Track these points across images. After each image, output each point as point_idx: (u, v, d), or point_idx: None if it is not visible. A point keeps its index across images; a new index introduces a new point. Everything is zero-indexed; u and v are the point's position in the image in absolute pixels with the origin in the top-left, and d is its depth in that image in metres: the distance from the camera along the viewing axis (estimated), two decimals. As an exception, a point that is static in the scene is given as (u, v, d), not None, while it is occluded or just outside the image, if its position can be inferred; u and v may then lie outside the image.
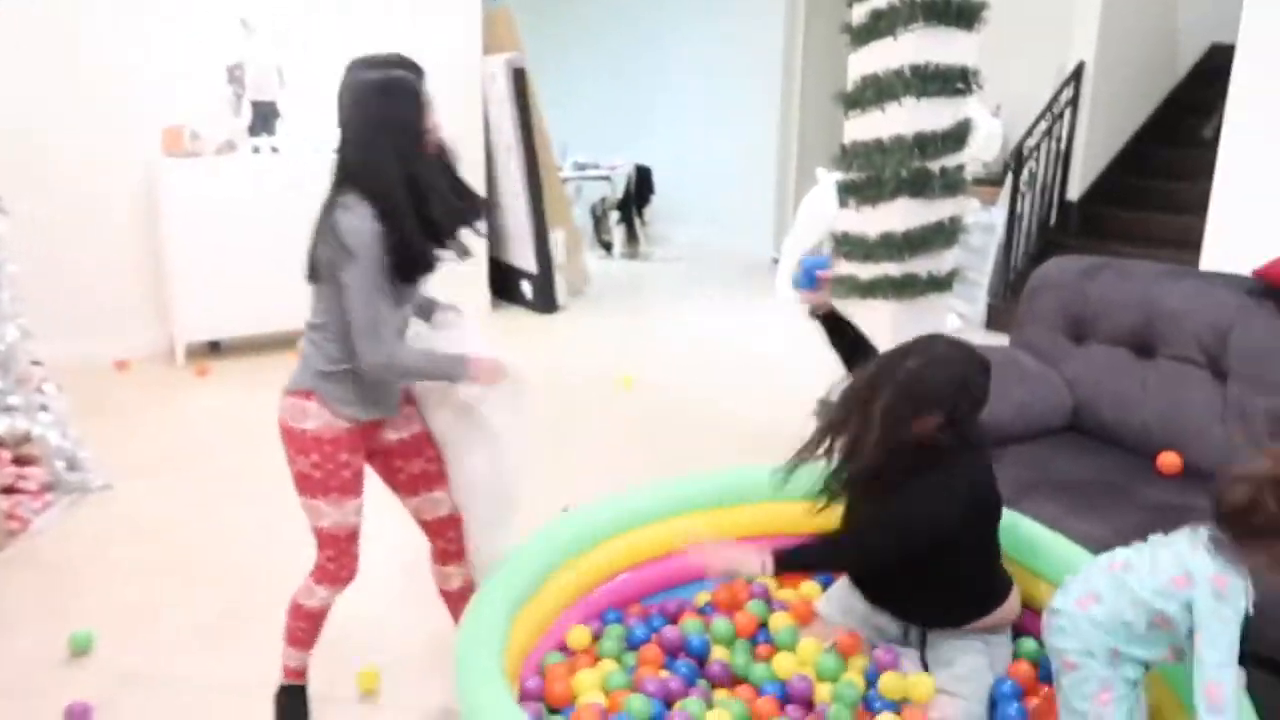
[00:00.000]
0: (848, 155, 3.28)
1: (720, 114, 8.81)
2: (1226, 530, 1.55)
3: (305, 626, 2.07)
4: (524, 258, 6.29)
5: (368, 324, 1.79)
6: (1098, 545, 2.07)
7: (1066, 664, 1.67)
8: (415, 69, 1.87)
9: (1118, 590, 1.63)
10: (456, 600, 2.21)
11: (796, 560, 1.86)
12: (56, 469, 3.31)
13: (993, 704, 1.88)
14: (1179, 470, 2.43)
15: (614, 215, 8.60)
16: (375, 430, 2.01)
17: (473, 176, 6.14)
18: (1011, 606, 2.00)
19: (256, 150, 5.13)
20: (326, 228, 1.80)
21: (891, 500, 1.84)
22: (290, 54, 5.22)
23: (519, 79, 5.85)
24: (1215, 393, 2.48)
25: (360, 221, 1.76)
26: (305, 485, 1.94)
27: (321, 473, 1.91)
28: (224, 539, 3.08)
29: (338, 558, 2.00)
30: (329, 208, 1.82)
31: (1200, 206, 4.01)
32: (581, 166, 8.62)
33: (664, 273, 8.01)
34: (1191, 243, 4.12)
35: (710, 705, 1.84)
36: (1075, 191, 6.31)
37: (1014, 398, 2.69)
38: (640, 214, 8.76)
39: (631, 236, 8.70)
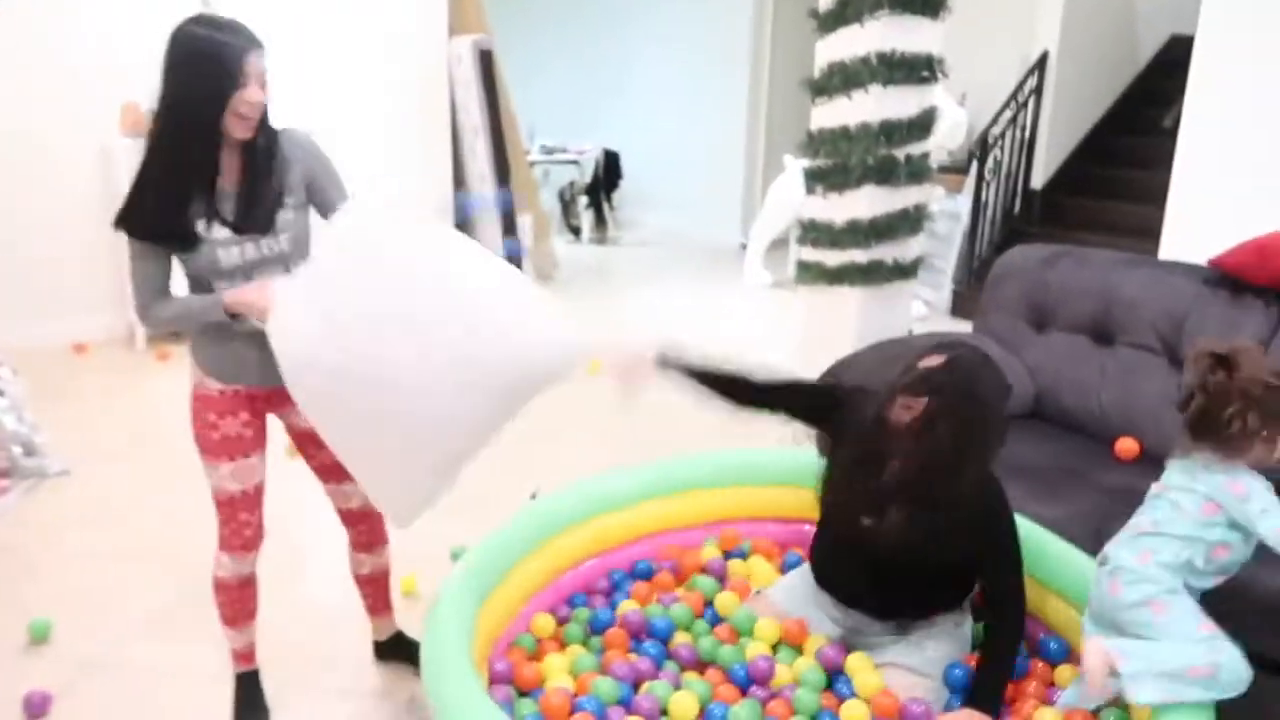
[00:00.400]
0: (814, 142, 3.30)
1: (689, 99, 8.80)
2: (1210, 446, 1.66)
3: (223, 600, 2.06)
4: (491, 242, 6.25)
5: (132, 284, 1.88)
6: (1057, 528, 2.11)
7: (1156, 607, 1.65)
8: (234, 34, 1.74)
9: (1165, 542, 1.68)
10: (365, 584, 2.26)
11: (996, 694, 1.78)
12: (13, 454, 3.25)
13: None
14: (1136, 455, 2.48)
15: (582, 200, 8.57)
16: (275, 408, 2.00)
17: (439, 159, 6.13)
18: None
19: (218, 131, 5.04)
20: None
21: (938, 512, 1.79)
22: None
23: (486, 61, 5.80)
24: (1171, 379, 2.53)
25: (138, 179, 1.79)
26: (197, 444, 1.98)
27: (193, 430, 1.96)
28: (183, 525, 3.04)
29: (226, 522, 2.00)
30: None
31: (1160, 196, 4.08)
32: (549, 150, 8.57)
33: (632, 258, 8.01)
34: (1152, 231, 4.19)
35: (677, 687, 1.86)
36: (1039, 180, 6.39)
37: (976, 384, 2.72)
38: (609, 198, 8.74)
39: (600, 221, 8.68)
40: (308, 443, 2.03)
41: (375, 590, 2.28)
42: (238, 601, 2.07)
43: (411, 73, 5.78)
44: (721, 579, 2.24)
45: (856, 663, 1.92)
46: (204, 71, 1.69)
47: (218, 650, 2.27)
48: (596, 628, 2.09)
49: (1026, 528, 2.09)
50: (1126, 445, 2.50)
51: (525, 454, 3.59)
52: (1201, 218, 3.82)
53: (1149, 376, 2.57)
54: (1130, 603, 1.66)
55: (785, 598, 2.08)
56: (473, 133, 6.00)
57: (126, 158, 4.72)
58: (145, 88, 4.85)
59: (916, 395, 1.74)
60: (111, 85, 4.84)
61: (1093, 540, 2.09)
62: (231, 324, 1.84)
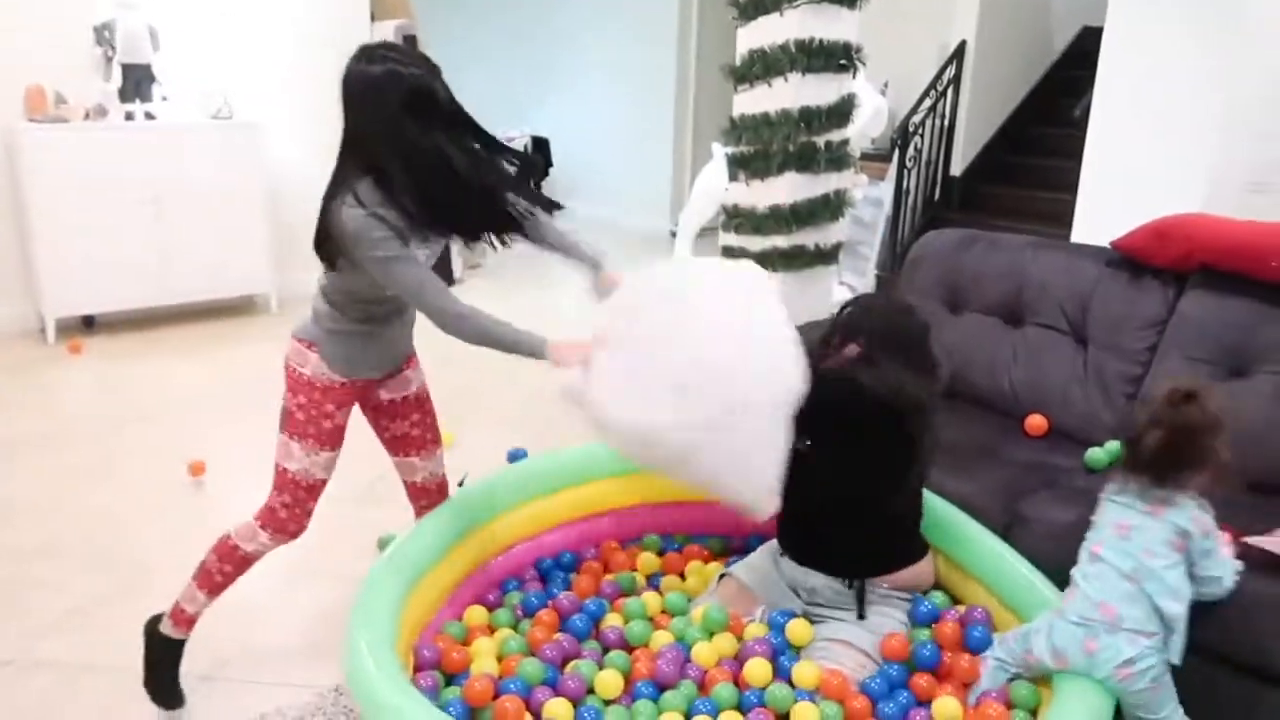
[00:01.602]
0: (737, 129, 3.34)
1: (617, 86, 8.80)
2: (1159, 480, 1.70)
3: (229, 571, 2.04)
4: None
5: (426, 297, 1.83)
6: (971, 502, 2.19)
7: (1156, 689, 1.68)
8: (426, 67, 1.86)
9: (1139, 597, 1.68)
10: None
11: None
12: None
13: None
14: (1045, 431, 2.57)
15: (511, 187, 8.51)
16: (371, 387, 2.08)
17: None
18: (931, 568, 2.10)
19: (130, 116, 4.89)
20: (339, 224, 1.79)
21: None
22: (165, 15, 4.98)
23: (411, 45, 5.71)
24: (1077, 358, 2.63)
25: (352, 210, 1.77)
26: (287, 422, 1.98)
27: (304, 415, 1.96)
28: (93, 521, 2.97)
29: (292, 506, 2.00)
30: (336, 199, 1.80)
31: (1072, 183, 4.22)
32: (477, 137, 8.49)
33: (562, 246, 7.98)
34: (1065, 217, 4.34)
35: (602, 667, 1.88)
36: (958, 167, 6.55)
37: (894, 365, 2.79)
38: (538, 186, 8.70)
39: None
40: (382, 415, 2.14)
41: None
42: (235, 577, 2.06)
43: (333, 59, 5.65)
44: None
45: (798, 629, 1.97)
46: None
47: (128, 647, 2.22)
48: (528, 610, 2.10)
49: (946, 511, 2.17)
50: (1036, 422, 2.59)
51: (456, 440, 3.58)
52: (1109, 203, 3.97)
53: (1056, 355, 2.67)
54: (1139, 689, 1.68)
55: (748, 574, 2.13)
56: (397, 119, 5.91)
57: (31, 143, 4.55)
58: (50, 71, 4.71)
59: (844, 341, 1.95)
60: (13, 67, 4.65)
61: (1004, 512, 2.18)
62: (381, 330, 1.99)
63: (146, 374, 4.36)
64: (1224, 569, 1.72)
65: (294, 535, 2.04)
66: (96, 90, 4.81)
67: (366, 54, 1.83)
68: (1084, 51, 6.04)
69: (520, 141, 8.48)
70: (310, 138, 5.66)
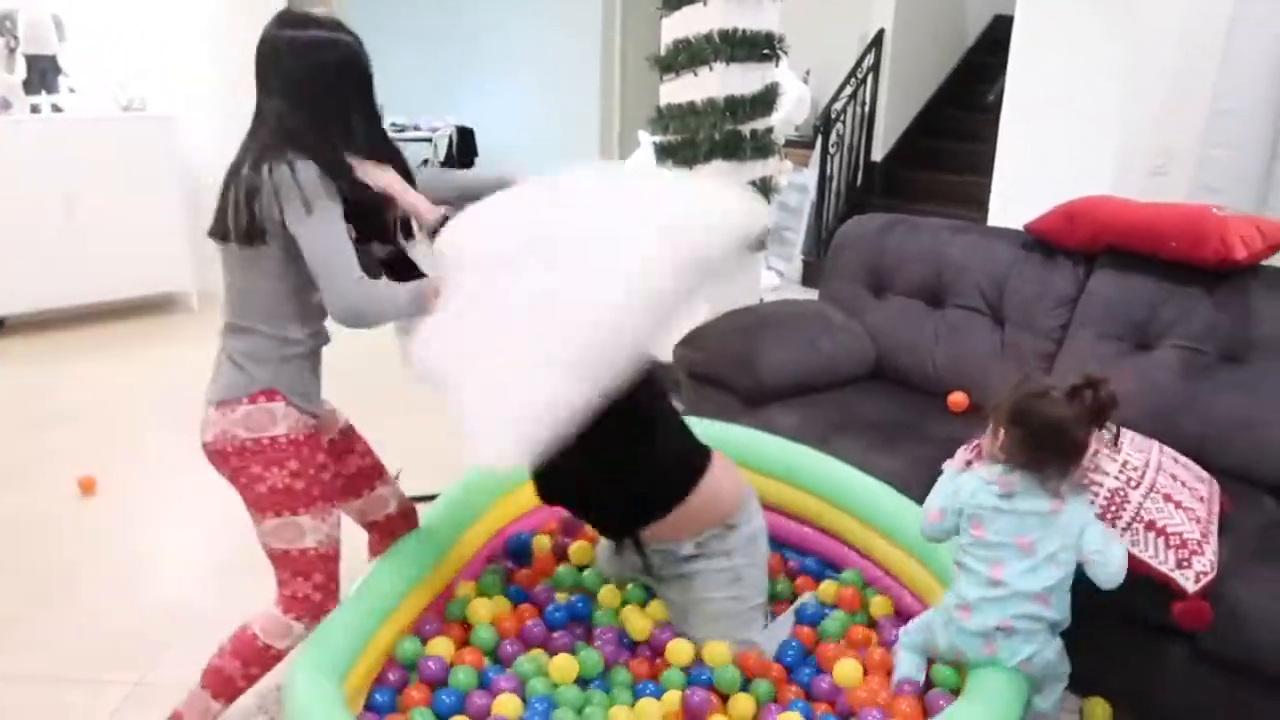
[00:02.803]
0: (663, 118, 3.36)
1: (542, 74, 8.74)
2: (1070, 469, 1.75)
3: (256, 674, 1.78)
4: (343, 223, 6.07)
5: (339, 265, 1.61)
6: (896, 477, 2.26)
7: (1027, 668, 1.72)
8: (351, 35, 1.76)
9: (1041, 608, 1.72)
10: None
11: None
12: None
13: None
14: (966, 408, 2.67)
15: (437, 178, 8.43)
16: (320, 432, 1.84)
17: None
18: (716, 491, 1.92)
19: (36, 109, 4.71)
20: (273, 184, 1.62)
21: None
22: (70, 4, 4.80)
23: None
24: (995, 337, 2.74)
25: (315, 173, 1.63)
26: (283, 502, 1.69)
27: (304, 481, 1.70)
28: (4, 530, 2.87)
29: (326, 583, 1.76)
30: (268, 165, 1.63)
31: (988, 166, 4.35)
32: (400, 128, 8.37)
33: (490, 236, 7.93)
34: (982, 200, 4.46)
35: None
36: (879, 153, 6.68)
37: (822, 349, 2.87)
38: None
39: (456, 200, 8.55)
40: (333, 458, 1.87)
41: None
42: (261, 677, 1.80)
43: (246, 48, 5.52)
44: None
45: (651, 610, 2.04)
46: None
47: (56, 657, 2.18)
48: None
49: (868, 484, 2.24)
50: (957, 399, 2.69)
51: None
52: (1023, 186, 4.10)
53: (976, 335, 2.77)
54: (1039, 675, 1.75)
55: (601, 552, 2.19)
56: (318, 110, 5.80)
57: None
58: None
59: None
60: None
61: (928, 485, 2.25)
62: (317, 348, 1.78)
63: (61, 376, 4.22)
64: (1117, 554, 1.74)
65: (329, 612, 1.78)
66: (0, 83, 4.62)
67: (292, 20, 1.72)
68: (996, 39, 6.21)
69: (445, 132, 8.40)
70: (226, 129, 5.49)
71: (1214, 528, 1.91)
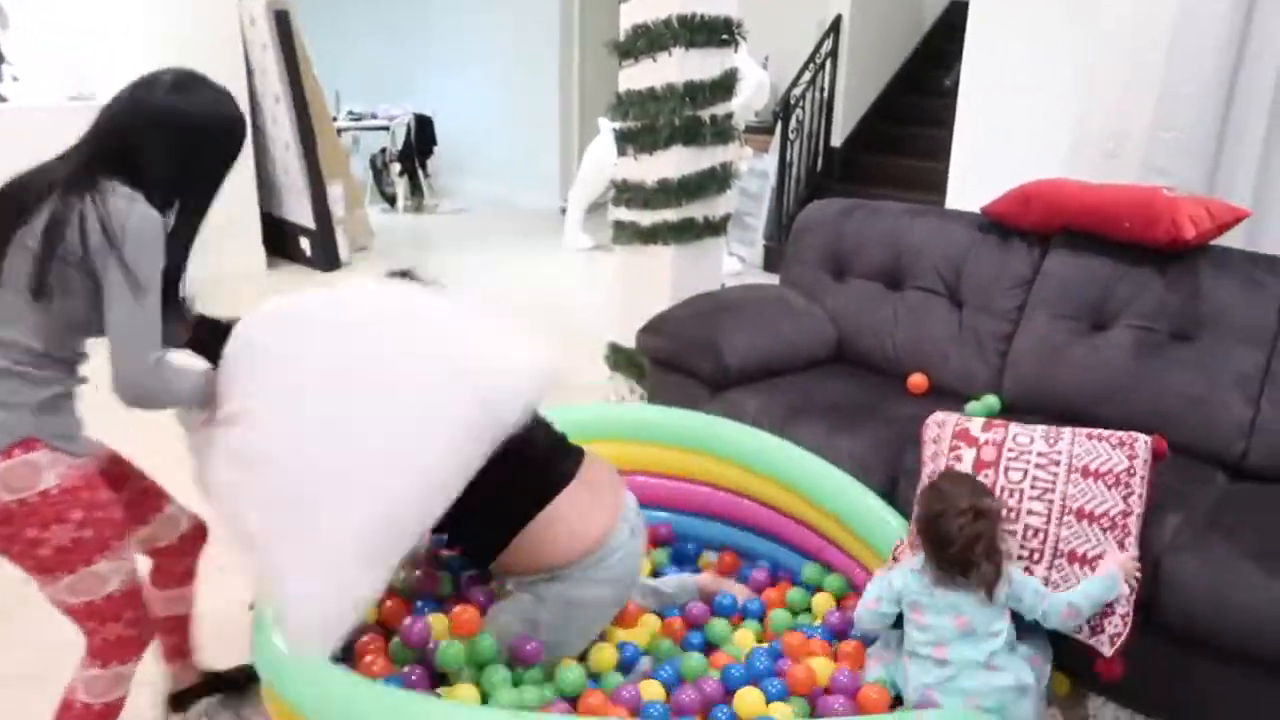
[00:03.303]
0: (623, 104, 3.36)
1: (500, 62, 8.68)
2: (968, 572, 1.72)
3: None
4: (300, 212, 5.99)
5: (143, 328, 1.45)
6: (858, 458, 2.29)
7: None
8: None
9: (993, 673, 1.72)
10: (177, 625, 1.91)
11: None
12: None
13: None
14: (925, 389, 2.70)
15: (395, 167, 8.33)
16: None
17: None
18: (542, 541, 1.83)
19: (-22, 99, 4.59)
20: (88, 213, 1.45)
21: None
22: (12, -10, 4.69)
23: (282, 22, 5.52)
24: (953, 319, 2.77)
25: (148, 209, 1.49)
26: (75, 558, 1.50)
27: (93, 528, 1.50)
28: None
29: (139, 616, 1.61)
30: (90, 192, 1.47)
31: (946, 151, 4.40)
32: (357, 116, 8.26)
33: (451, 225, 7.87)
34: (940, 184, 4.51)
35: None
36: (838, 138, 6.73)
37: (784, 333, 2.89)
38: (423, 165, 8.53)
39: (415, 189, 8.46)
40: (120, 479, 1.73)
41: (184, 628, 1.95)
42: None
43: (200, 36, 5.42)
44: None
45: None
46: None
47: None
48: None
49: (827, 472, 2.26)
50: (917, 380, 2.72)
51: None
52: (980, 170, 4.15)
53: (934, 316, 2.80)
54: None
55: None
56: (274, 100, 5.71)
57: None
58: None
59: None
60: None
61: (888, 466, 2.29)
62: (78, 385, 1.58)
63: None
64: (1055, 611, 1.77)
65: (150, 643, 1.68)
66: (-62, 71, 4.51)
67: (181, 84, 1.61)
68: (952, 24, 6.26)
69: (403, 120, 8.30)
70: (180, 119, 5.41)
71: (1136, 516, 1.89)
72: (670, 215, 3.33)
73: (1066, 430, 2.00)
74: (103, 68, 5.01)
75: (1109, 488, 1.90)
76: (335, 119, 7.13)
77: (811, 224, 3.18)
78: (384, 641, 1.89)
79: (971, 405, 2.52)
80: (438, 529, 1.82)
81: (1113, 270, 2.52)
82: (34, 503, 1.44)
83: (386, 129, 8.28)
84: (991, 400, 2.55)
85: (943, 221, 2.92)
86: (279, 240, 6.14)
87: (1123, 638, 1.82)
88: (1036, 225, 2.68)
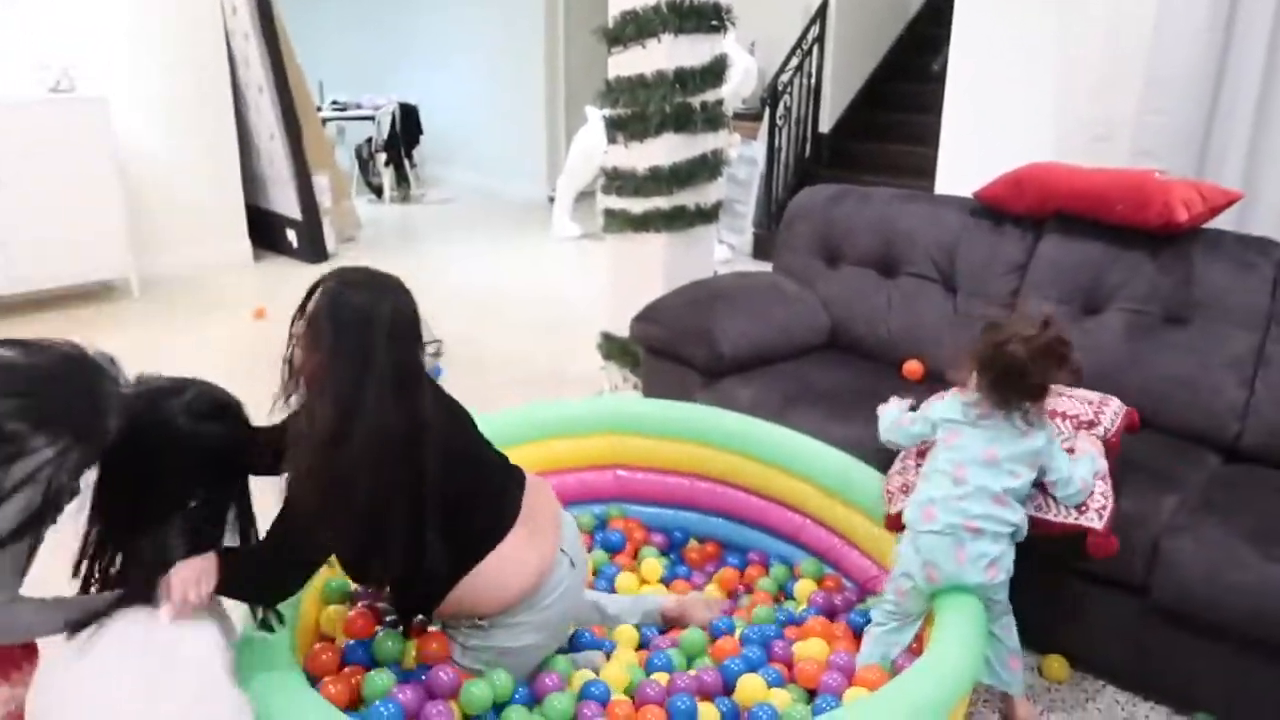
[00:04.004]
0: (613, 91, 3.33)
1: (485, 51, 8.61)
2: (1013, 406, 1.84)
3: None
4: (286, 203, 5.94)
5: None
6: (852, 445, 2.29)
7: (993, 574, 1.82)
8: None
9: (1001, 509, 1.84)
10: None
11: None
12: None
13: None
14: (921, 375, 2.70)
15: (381, 157, 8.26)
16: None
17: (221, 117, 5.73)
18: (504, 576, 1.68)
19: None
20: None
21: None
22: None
23: (264, 10, 5.45)
24: (947, 304, 2.77)
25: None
26: None
27: None
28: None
29: None
30: None
31: (934, 136, 4.39)
32: (341, 106, 8.19)
33: (439, 215, 7.83)
34: (929, 170, 4.51)
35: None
36: (826, 124, 6.71)
37: (776, 320, 2.88)
38: (409, 155, 8.46)
39: (401, 179, 8.40)
40: None
41: None
42: None
43: (182, 26, 5.36)
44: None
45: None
46: None
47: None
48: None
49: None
50: (912, 366, 2.72)
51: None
52: (968, 155, 4.14)
53: (928, 302, 2.81)
54: (1000, 582, 1.85)
55: None
56: (257, 90, 5.65)
57: None
58: None
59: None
60: None
61: (885, 453, 2.29)
62: None
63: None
64: (1079, 475, 1.89)
65: None
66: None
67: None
68: (938, 9, 6.25)
69: (388, 109, 8.23)
70: (160, 110, 5.36)
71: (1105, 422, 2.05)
72: (662, 203, 3.31)
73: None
74: (83, 61, 4.95)
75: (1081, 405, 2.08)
76: (319, 109, 7.06)
77: (802, 211, 3.17)
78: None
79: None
80: (361, 579, 1.77)
81: (1105, 254, 2.52)
82: None
83: (371, 119, 8.21)
84: (986, 386, 2.56)
85: (934, 207, 2.92)
86: (265, 232, 6.09)
87: (1108, 509, 1.91)
88: (1029, 209, 2.68)
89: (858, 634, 2.00)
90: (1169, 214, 2.35)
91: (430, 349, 1.69)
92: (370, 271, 1.68)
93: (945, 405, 1.96)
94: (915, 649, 1.89)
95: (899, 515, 1.95)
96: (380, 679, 1.68)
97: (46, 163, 4.65)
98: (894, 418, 2.10)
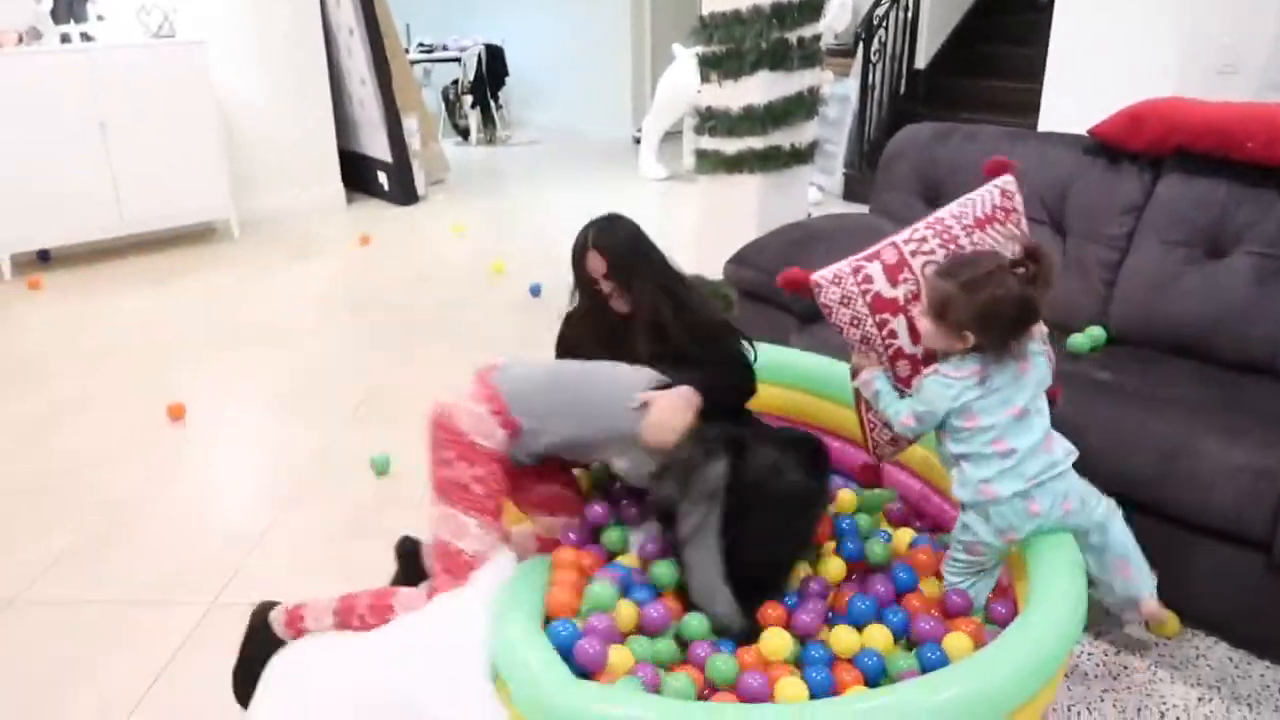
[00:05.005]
0: (707, 28, 3.26)
1: (570, -11, 8.52)
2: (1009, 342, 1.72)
3: (374, 624, 1.78)
4: (377, 147, 6.02)
5: None
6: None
7: (1068, 508, 1.75)
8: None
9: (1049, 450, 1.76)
10: None
11: None
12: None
13: None
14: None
15: (468, 99, 8.29)
16: None
17: (313, 59, 5.80)
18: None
19: (66, 39, 4.66)
20: None
21: None
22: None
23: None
24: (1056, 247, 2.66)
25: None
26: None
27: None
28: (74, 460, 2.93)
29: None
30: None
31: (1038, 71, 4.19)
32: (428, 48, 8.22)
33: (525, 157, 7.84)
34: (1031, 106, 4.31)
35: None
36: (922, 60, 6.47)
37: (875, 262, 2.80)
38: (495, 97, 8.47)
39: (487, 121, 8.43)
40: None
41: None
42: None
43: (275, -32, 5.42)
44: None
45: None
46: None
47: (124, 583, 2.23)
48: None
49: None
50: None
51: (443, 360, 3.57)
52: (1077, 90, 3.95)
53: (1036, 245, 2.69)
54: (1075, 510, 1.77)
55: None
56: (347, 33, 5.70)
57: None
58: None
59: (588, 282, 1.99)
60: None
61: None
62: None
63: (112, 308, 4.27)
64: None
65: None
66: (28, 12, 4.58)
67: None
68: (1047, -66, 5.92)
69: (474, 51, 8.23)
70: (255, 54, 5.45)
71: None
72: (756, 143, 3.25)
73: (940, 211, 2.02)
74: (183, 5, 5.05)
75: (1000, 224, 1.94)
76: (406, 51, 7.10)
77: (903, 149, 3.06)
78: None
79: (1074, 338, 2.43)
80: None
81: (1231, 193, 2.38)
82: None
83: (458, 60, 8.23)
84: (1097, 332, 2.46)
85: (1045, 145, 2.78)
86: (356, 175, 6.19)
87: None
88: (1148, 147, 2.54)
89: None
90: (1307, 150, 2.20)
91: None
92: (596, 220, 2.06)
93: (946, 392, 1.74)
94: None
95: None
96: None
97: (150, 106, 4.79)
98: (891, 409, 1.84)
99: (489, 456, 1.76)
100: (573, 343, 2.09)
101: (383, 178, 6.11)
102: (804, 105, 3.24)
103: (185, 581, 2.29)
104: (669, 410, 1.79)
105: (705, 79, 3.32)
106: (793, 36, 3.14)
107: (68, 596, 2.26)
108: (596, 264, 1.96)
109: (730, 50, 3.16)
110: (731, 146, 3.26)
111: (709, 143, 3.35)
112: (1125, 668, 1.97)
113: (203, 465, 2.90)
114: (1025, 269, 1.69)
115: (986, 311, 1.67)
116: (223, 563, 2.36)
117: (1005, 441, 1.72)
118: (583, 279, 2.01)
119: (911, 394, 1.82)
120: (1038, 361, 1.77)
